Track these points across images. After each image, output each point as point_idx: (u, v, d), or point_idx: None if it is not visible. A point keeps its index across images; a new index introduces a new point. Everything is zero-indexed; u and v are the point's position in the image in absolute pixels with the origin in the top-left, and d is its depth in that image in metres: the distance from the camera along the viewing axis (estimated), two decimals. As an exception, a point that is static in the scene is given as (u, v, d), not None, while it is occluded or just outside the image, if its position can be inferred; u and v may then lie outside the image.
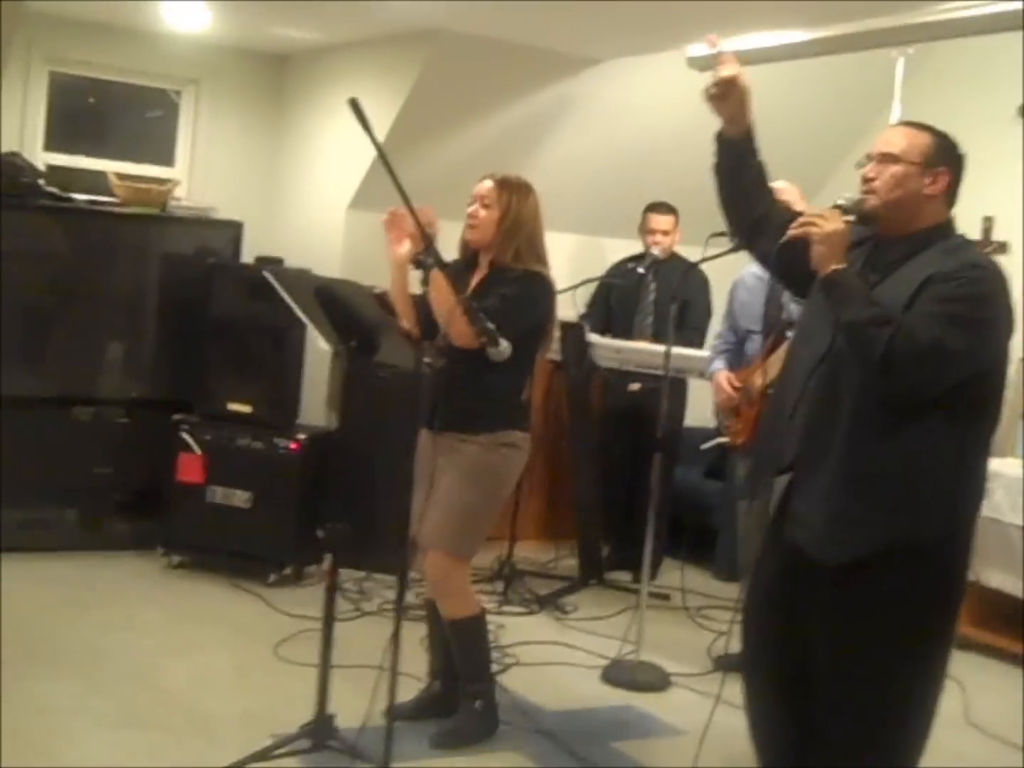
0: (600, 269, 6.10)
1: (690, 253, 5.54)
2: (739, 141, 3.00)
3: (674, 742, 4.12)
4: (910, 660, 2.83)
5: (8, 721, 3.63)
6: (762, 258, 3.10)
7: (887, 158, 2.82)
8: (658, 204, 5.98)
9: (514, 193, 3.85)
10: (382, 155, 3.48)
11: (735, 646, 4.87)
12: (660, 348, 4.91)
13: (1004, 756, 4.19)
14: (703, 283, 5.87)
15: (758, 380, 4.70)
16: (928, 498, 2.76)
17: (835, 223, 2.78)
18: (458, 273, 3.84)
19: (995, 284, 2.76)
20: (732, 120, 3.00)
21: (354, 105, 3.37)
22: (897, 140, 2.84)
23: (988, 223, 5.99)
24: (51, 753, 3.51)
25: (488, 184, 3.86)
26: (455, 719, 3.94)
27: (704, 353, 5.41)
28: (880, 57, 5.51)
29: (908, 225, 2.83)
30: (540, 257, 3.88)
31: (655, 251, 5.83)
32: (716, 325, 5.85)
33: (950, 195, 2.86)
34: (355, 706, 3.51)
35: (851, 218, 2.82)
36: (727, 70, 2.99)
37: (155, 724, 3.79)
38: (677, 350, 4.87)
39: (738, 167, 3.03)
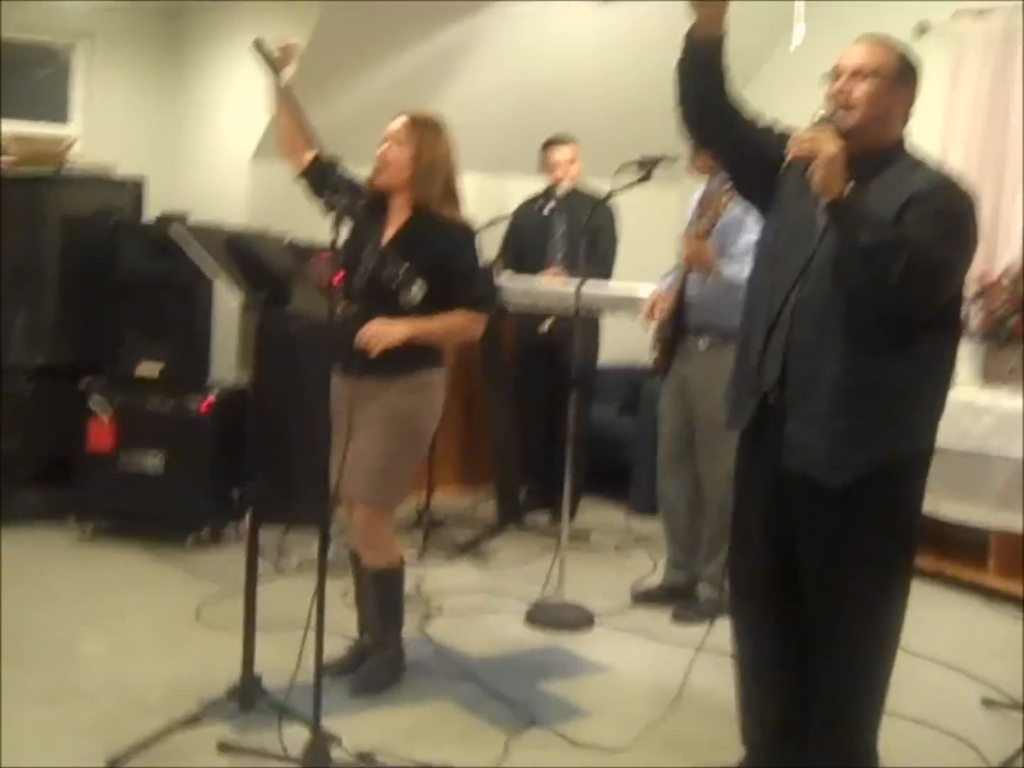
0: (504, 208, 6.05)
1: (597, 183, 5.52)
2: (709, 43, 2.89)
3: (600, 679, 4.17)
4: (899, 571, 2.96)
5: (-74, 703, 3.57)
6: (725, 164, 3.15)
7: (860, 73, 2.84)
8: (556, 137, 5.94)
9: (428, 130, 3.78)
10: (289, 97, 3.39)
11: (654, 580, 5.00)
12: (569, 288, 4.89)
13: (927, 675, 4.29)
14: (610, 214, 5.85)
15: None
16: (922, 411, 2.88)
17: (835, 143, 2.73)
18: (369, 216, 3.77)
19: (968, 199, 2.84)
20: (707, 20, 2.86)
21: (259, 46, 3.30)
22: (868, 55, 2.87)
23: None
24: (-26, 732, 3.47)
25: (399, 122, 3.79)
26: (367, 666, 3.94)
27: (618, 287, 5.39)
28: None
29: (879, 140, 2.86)
30: (459, 201, 3.84)
31: (564, 184, 5.79)
32: (625, 255, 5.91)
33: (908, 112, 2.92)
34: (282, 666, 3.48)
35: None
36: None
37: (80, 696, 3.74)
38: (588, 287, 4.84)
39: (703, 69, 2.93)
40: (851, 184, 2.74)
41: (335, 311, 3.34)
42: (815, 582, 2.97)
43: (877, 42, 2.91)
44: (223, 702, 3.52)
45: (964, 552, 5.27)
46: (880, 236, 2.72)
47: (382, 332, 3.64)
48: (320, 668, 3.28)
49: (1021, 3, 5.51)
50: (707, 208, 4.54)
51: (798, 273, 2.89)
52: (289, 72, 3.74)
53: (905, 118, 2.91)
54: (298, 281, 3.60)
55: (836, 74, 2.87)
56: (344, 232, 3.38)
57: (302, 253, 3.73)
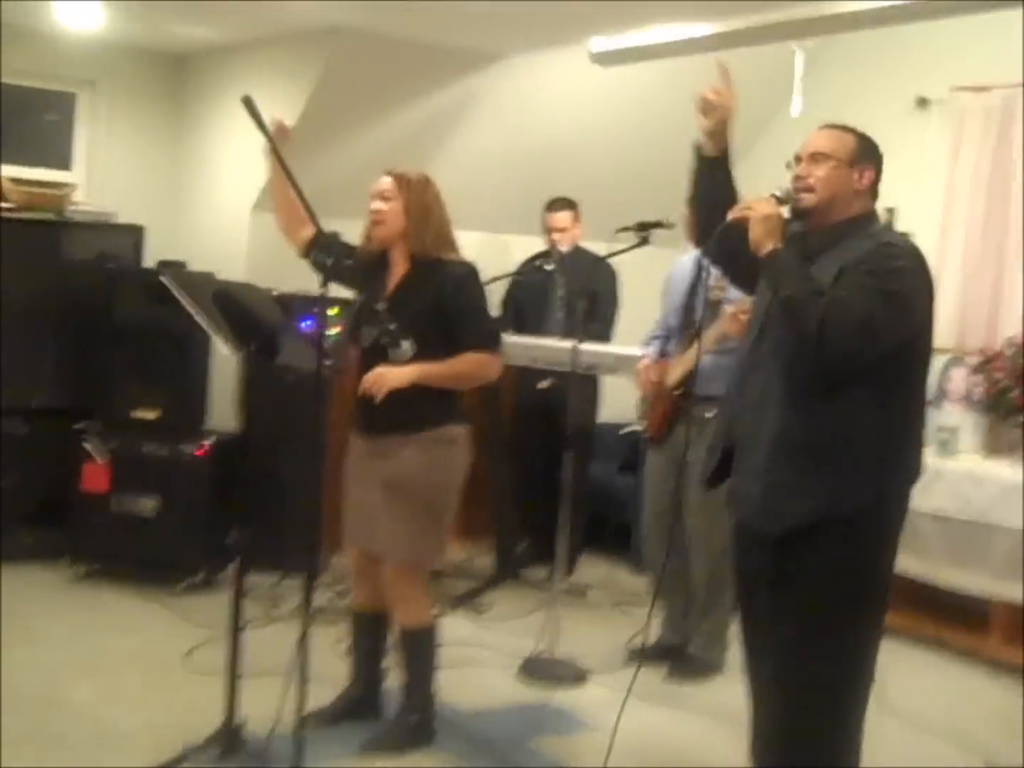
0: (506, 267, 6.05)
1: (595, 248, 5.54)
2: (712, 159, 3.14)
3: (590, 738, 4.09)
4: (846, 626, 2.98)
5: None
6: (723, 260, 3.29)
7: (817, 157, 3.04)
8: (555, 200, 5.97)
9: (415, 183, 3.80)
10: (276, 153, 3.42)
11: (650, 639, 4.94)
12: (567, 344, 4.89)
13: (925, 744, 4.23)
14: (611, 276, 5.86)
15: (671, 378, 4.72)
16: (859, 468, 2.92)
17: (770, 207, 2.97)
18: (370, 275, 3.82)
19: (909, 258, 2.96)
20: (709, 136, 3.13)
21: (248, 104, 3.32)
22: (825, 141, 3.07)
23: (890, 214, 6.05)
24: (-47, 774, 3.42)
25: (386, 180, 3.82)
26: (390, 725, 3.90)
27: (612, 348, 5.40)
28: (781, 50, 5.56)
29: (838, 217, 3.03)
30: (455, 245, 3.84)
31: (562, 247, 5.82)
32: (626, 318, 5.92)
33: (874, 190, 3.09)
34: (268, 713, 3.44)
35: (785, 210, 3.03)
36: (713, 92, 3.15)
37: (60, 740, 3.70)
38: (585, 346, 4.85)
39: (707, 181, 3.18)
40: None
41: (322, 364, 3.35)
42: (766, 627, 3.07)
43: (834, 128, 3.12)
44: (204, 748, 3.48)
45: (966, 620, 5.23)
46: (798, 286, 2.88)
47: (385, 376, 3.64)
48: (302, 716, 3.24)
49: (1021, 85, 5.56)
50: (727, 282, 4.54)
51: (757, 333, 3.10)
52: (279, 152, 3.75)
53: (870, 194, 3.09)
54: (286, 334, 3.60)
55: (797, 159, 3.08)
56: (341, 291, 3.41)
57: (291, 306, 3.74)
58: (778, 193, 3.02)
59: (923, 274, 2.97)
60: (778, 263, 2.93)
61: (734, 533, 3.17)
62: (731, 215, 3.01)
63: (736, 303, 4.36)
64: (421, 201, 3.78)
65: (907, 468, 3.02)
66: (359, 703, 4.00)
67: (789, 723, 3.03)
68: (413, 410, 3.70)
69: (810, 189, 3.02)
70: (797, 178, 3.05)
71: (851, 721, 3.04)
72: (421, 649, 3.88)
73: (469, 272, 3.81)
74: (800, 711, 3.00)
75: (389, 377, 3.64)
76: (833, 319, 2.79)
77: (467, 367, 3.75)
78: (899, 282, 2.89)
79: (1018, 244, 5.67)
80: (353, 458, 3.88)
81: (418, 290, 3.75)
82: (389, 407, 3.70)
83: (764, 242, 2.94)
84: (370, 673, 4.02)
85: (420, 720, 3.89)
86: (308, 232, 3.88)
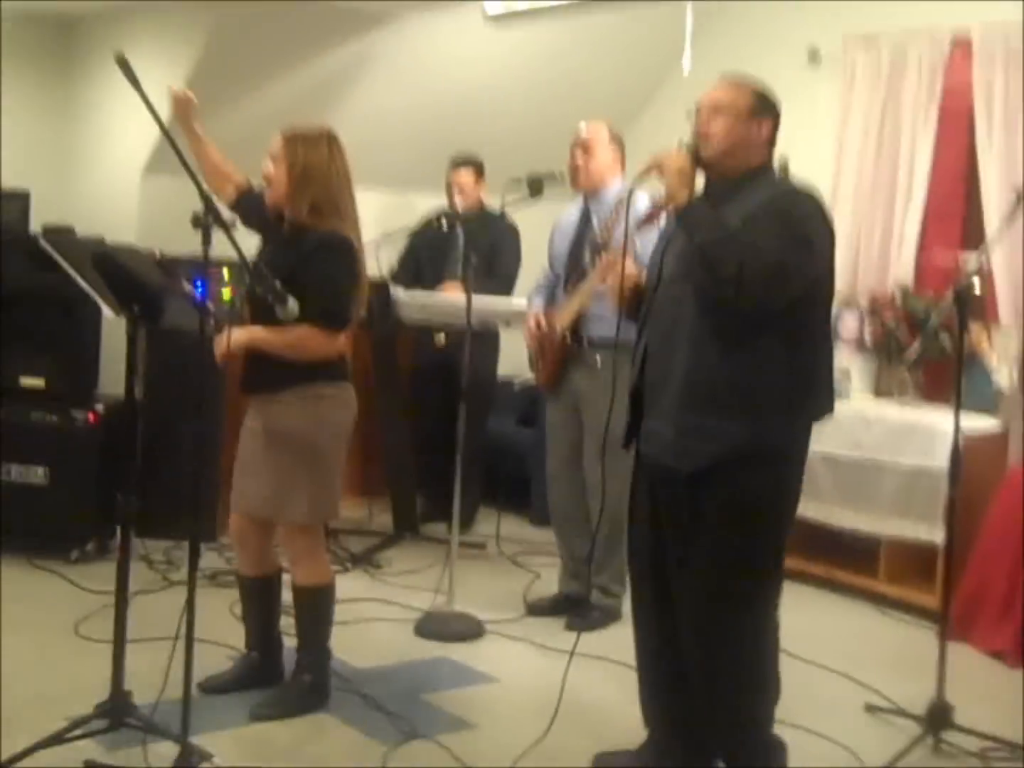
0: (411, 225, 6.05)
1: (498, 202, 5.53)
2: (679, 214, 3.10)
3: (487, 690, 4.14)
4: (754, 560, 3.08)
5: None
6: None
7: (716, 109, 3.11)
8: (457, 158, 5.96)
9: (302, 144, 3.72)
10: (152, 112, 3.36)
11: (549, 590, 4.98)
12: (461, 300, 4.88)
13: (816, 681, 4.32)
14: (511, 231, 5.87)
15: (559, 325, 4.73)
16: (769, 408, 3.01)
17: (683, 159, 3.07)
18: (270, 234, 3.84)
19: (812, 205, 3.07)
20: (674, 194, 3.08)
21: (121, 62, 3.24)
22: (723, 93, 3.15)
23: (784, 161, 6.09)
24: None
25: (275, 139, 3.76)
26: (280, 688, 3.88)
27: (511, 301, 5.40)
28: (672, 8, 5.58)
29: (737, 168, 3.11)
30: (341, 212, 3.73)
31: (457, 206, 5.80)
32: (526, 273, 5.92)
33: (771, 141, 3.17)
34: (159, 681, 3.40)
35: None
36: (658, 157, 3.12)
37: (-53, 714, 3.63)
38: (480, 300, 4.86)
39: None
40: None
41: (207, 326, 3.31)
42: (677, 567, 3.14)
43: (731, 81, 3.19)
44: (90, 719, 3.43)
45: (856, 559, 5.33)
46: (716, 234, 2.96)
47: (221, 339, 3.65)
48: (189, 682, 3.22)
49: (909, 30, 5.63)
50: (611, 225, 4.56)
51: (656, 281, 3.19)
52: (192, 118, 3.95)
53: (767, 146, 3.17)
54: (169, 296, 3.55)
55: (696, 111, 3.15)
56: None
57: (176, 268, 3.69)
58: (682, 141, 3.11)
59: (825, 220, 3.07)
60: (694, 212, 3.03)
61: (642, 472, 3.24)
62: (643, 169, 3.12)
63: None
64: (304, 164, 3.69)
65: (814, 406, 3.12)
66: (257, 668, 3.96)
67: (713, 654, 3.11)
68: (280, 368, 3.66)
69: (708, 140, 3.10)
70: (697, 129, 3.12)
71: (771, 646, 3.16)
72: (316, 608, 3.86)
73: (327, 243, 3.68)
74: (721, 644, 3.09)
75: (223, 341, 3.64)
76: (749, 265, 2.88)
77: (297, 340, 3.63)
78: (805, 227, 2.99)
79: (907, 191, 5.76)
80: (245, 417, 3.86)
81: (282, 257, 3.69)
82: (259, 365, 3.70)
83: (679, 193, 3.03)
84: (265, 638, 3.98)
85: (314, 680, 3.86)
86: (232, 188, 4.01)
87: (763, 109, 3.15)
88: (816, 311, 3.11)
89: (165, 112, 3.46)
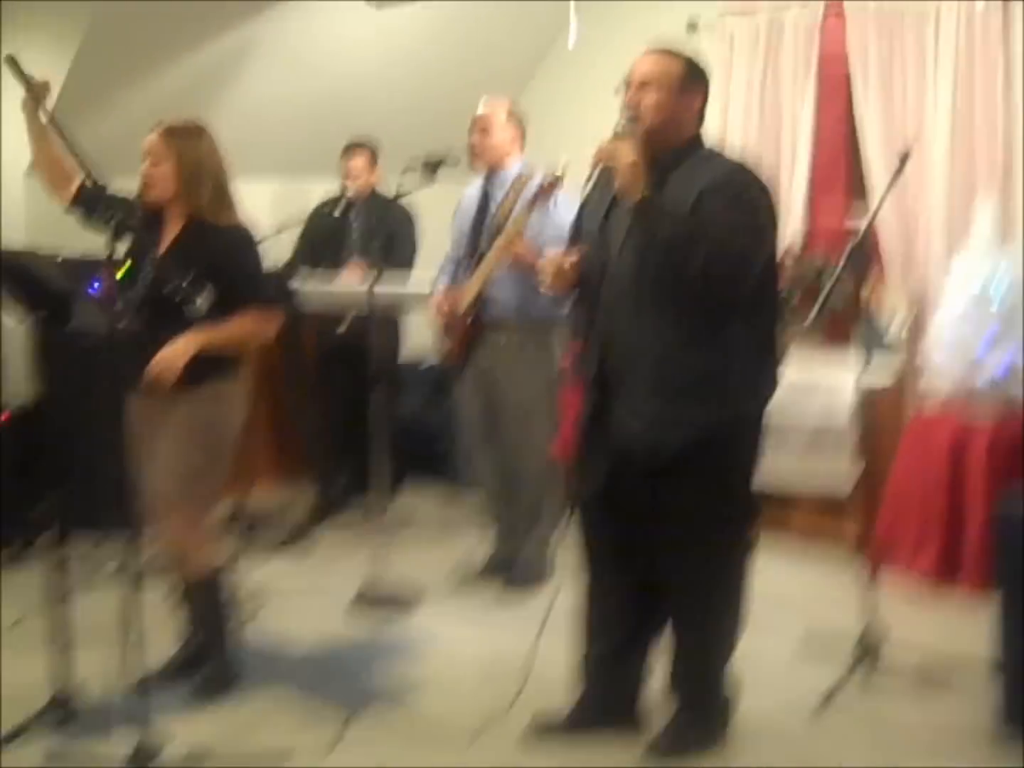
0: (304, 213, 6.03)
1: (391, 188, 5.56)
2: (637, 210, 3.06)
3: (425, 665, 4.19)
4: (730, 530, 3.20)
5: None
6: None
7: (646, 84, 3.08)
8: (349, 145, 5.94)
9: (183, 138, 3.72)
10: (31, 105, 3.33)
11: (479, 557, 5.04)
12: (361, 288, 4.91)
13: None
14: (406, 218, 5.87)
15: (462, 304, 4.79)
16: (734, 391, 3.06)
17: (632, 153, 3.00)
18: (146, 232, 3.74)
19: (757, 183, 3.09)
20: (627, 190, 3.04)
21: (11, 62, 3.23)
22: (652, 67, 3.12)
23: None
24: None
25: (154, 136, 3.72)
26: (197, 677, 3.90)
27: (404, 287, 5.44)
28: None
29: (672, 140, 3.10)
30: (232, 203, 3.77)
31: (348, 192, 5.79)
32: (423, 257, 5.95)
33: (702, 111, 3.17)
34: (105, 676, 3.47)
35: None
36: (605, 150, 3.07)
37: None
38: (379, 287, 4.88)
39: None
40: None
41: (115, 326, 3.31)
42: (660, 547, 3.21)
43: (662, 53, 3.16)
44: (33, 723, 3.46)
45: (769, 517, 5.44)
46: (678, 230, 2.94)
47: (170, 358, 3.57)
48: (133, 674, 3.23)
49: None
50: (511, 204, 4.62)
51: (600, 273, 3.15)
52: (43, 108, 3.77)
53: (699, 117, 3.18)
54: (76, 299, 3.53)
55: (627, 85, 3.12)
56: (121, 248, 3.35)
57: (78, 269, 3.67)
58: (619, 127, 3.08)
59: (770, 199, 3.10)
60: (652, 209, 2.99)
61: (606, 462, 3.22)
62: (594, 160, 3.07)
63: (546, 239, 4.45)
64: (193, 157, 3.70)
65: (771, 381, 3.20)
66: (194, 658, 3.97)
67: (695, 636, 3.25)
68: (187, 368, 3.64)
69: (641, 115, 3.08)
70: (627, 106, 3.10)
71: (740, 622, 3.29)
72: (204, 600, 3.87)
73: (242, 236, 3.76)
74: (714, 610, 3.23)
75: (173, 357, 3.56)
76: (714, 260, 2.89)
77: (246, 327, 3.71)
78: (758, 213, 3.02)
79: (792, 159, 5.90)
80: (130, 420, 3.75)
81: (191, 253, 3.68)
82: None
83: (633, 187, 2.99)
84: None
85: (214, 669, 3.89)
86: (73, 186, 3.85)
87: (693, 80, 3.17)
88: (769, 290, 3.14)
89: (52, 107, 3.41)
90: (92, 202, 3.81)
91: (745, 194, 3.02)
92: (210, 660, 3.90)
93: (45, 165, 3.90)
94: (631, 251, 3.10)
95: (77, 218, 3.84)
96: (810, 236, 5.95)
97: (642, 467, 3.13)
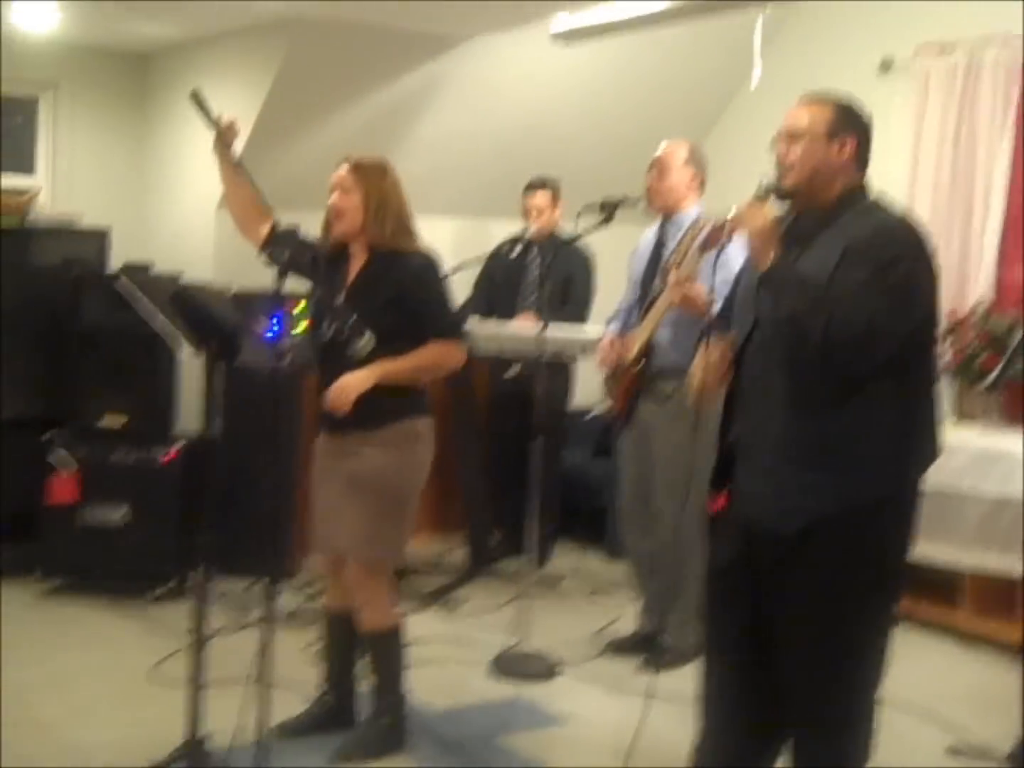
0: (486, 252, 6.02)
1: (571, 229, 5.51)
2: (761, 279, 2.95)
3: (561, 731, 4.11)
4: (868, 615, 2.93)
5: None
6: None
7: (794, 135, 2.94)
8: (533, 181, 5.92)
9: (371, 173, 3.77)
10: (223, 150, 3.37)
11: (627, 628, 4.93)
12: (532, 331, 4.85)
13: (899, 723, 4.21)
14: (585, 258, 5.82)
15: (630, 353, 4.67)
16: (872, 461, 2.85)
17: (762, 216, 2.90)
18: (330, 268, 3.81)
19: (906, 241, 2.87)
20: (752, 260, 2.97)
21: (195, 97, 3.30)
22: (801, 116, 2.96)
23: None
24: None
25: (343, 170, 3.78)
26: (359, 731, 3.88)
27: (584, 331, 5.37)
28: (741, 21, 5.51)
29: (825, 194, 2.93)
30: (414, 235, 3.81)
31: (530, 230, 5.75)
32: (600, 300, 5.88)
33: (860, 159, 2.98)
34: (234, 724, 3.42)
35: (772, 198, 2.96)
36: (738, 216, 2.96)
37: (27, 759, 3.66)
38: (554, 331, 4.82)
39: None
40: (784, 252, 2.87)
41: (280, 364, 3.33)
42: (778, 629, 2.97)
43: (811, 100, 3.00)
44: (168, 763, 3.47)
45: (938, 593, 5.19)
46: (797, 304, 2.79)
47: (347, 384, 3.62)
48: (267, 727, 3.22)
49: (984, 36, 5.51)
50: (685, 249, 4.49)
51: (745, 337, 3.01)
52: (234, 149, 3.84)
53: (857, 165, 2.96)
54: (245, 334, 3.58)
55: (776, 139, 2.98)
56: (300, 286, 3.38)
57: (250, 304, 3.72)
58: (764, 183, 2.95)
59: (923, 255, 2.88)
60: (776, 277, 2.86)
61: (734, 530, 3.04)
62: (727, 229, 2.98)
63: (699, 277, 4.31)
64: (380, 191, 3.74)
65: (922, 453, 2.95)
66: (332, 712, 3.95)
67: (824, 720, 2.98)
68: (374, 406, 3.66)
69: (789, 169, 2.94)
70: (778, 159, 2.97)
71: (872, 717, 3.02)
72: (388, 650, 3.86)
73: (428, 263, 3.79)
74: (829, 719, 2.96)
75: (351, 384, 3.62)
76: (837, 330, 2.72)
77: (429, 358, 3.73)
78: (898, 273, 2.79)
79: (985, 206, 5.63)
80: (319, 457, 3.86)
81: (377, 283, 3.73)
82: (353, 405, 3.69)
83: (762, 256, 2.87)
84: (342, 678, 3.97)
85: (391, 723, 3.86)
86: (265, 228, 3.90)
87: (844, 126, 2.96)
88: (919, 356, 2.93)
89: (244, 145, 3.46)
90: (281, 243, 3.87)
91: (885, 252, 2.80)
92: (388, 713, 3.86)
93: (237, 206, 3.98)
94: (764, 318, 2.97)
95: (266, 262, 3.88)
96: (1001, 290, 5.65)
97: (775, 536, 2.93)
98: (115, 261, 5.90)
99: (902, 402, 2.88)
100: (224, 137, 3.80)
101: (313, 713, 3.96)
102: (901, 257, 2.81)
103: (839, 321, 2.72)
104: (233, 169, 3.89)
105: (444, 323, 3.77)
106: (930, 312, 2.93)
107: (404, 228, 3.78)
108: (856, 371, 2.80)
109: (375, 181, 3.75)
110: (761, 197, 2.94)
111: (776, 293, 2.86)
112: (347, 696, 3.98)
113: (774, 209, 2.95)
